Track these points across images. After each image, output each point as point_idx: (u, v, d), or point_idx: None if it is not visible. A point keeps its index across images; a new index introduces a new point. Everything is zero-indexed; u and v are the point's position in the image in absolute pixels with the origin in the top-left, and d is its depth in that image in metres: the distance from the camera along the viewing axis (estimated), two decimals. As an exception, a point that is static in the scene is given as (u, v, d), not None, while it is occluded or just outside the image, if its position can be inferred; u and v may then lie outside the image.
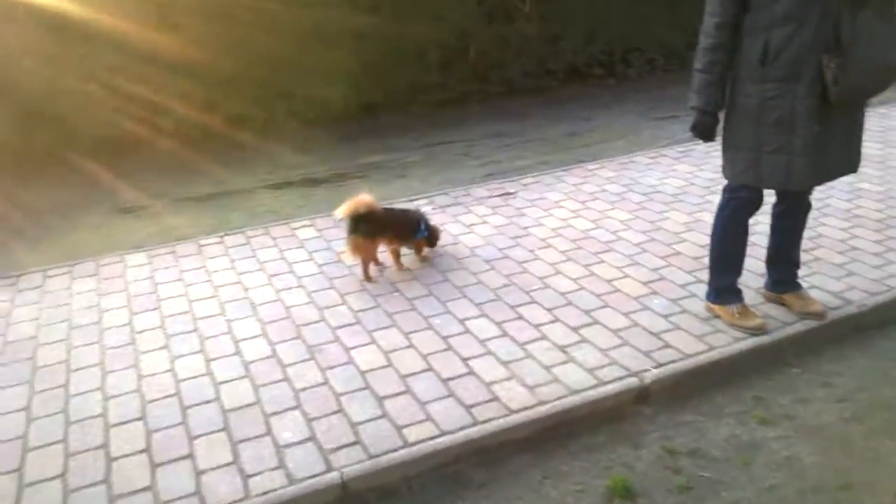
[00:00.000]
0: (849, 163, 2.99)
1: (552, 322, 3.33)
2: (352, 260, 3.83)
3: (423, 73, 7.51)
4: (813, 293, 3.41)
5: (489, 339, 3.21)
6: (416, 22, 7.27)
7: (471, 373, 2.98)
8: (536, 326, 3.30)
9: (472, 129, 6.89)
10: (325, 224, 4.52)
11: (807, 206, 3.23)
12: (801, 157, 2.83)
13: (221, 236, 4.41)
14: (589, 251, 4.03)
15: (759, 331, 3.15)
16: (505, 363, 3.04)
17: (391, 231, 3.80)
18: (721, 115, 3.00)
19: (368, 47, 7.16)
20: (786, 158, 2.86)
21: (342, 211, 3.64)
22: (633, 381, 2.91)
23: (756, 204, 3.14)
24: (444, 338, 3.24)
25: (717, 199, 4.63)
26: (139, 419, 2.81)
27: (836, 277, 3.61)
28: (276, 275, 3.89)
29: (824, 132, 2.81)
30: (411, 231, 3.88)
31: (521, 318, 3.38)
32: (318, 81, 6.99)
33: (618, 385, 2.88)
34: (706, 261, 3.77)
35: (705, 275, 3.66)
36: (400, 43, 7.31)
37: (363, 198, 3.68)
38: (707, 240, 4.03)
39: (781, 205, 3.22)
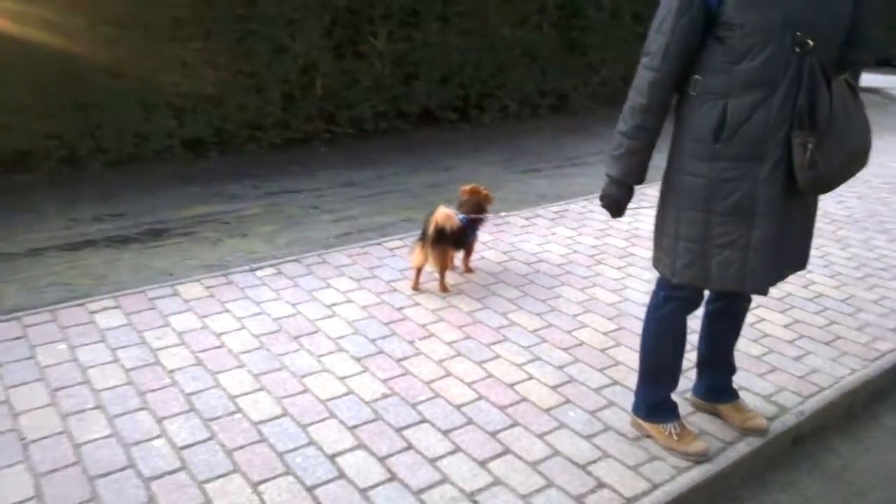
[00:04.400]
0: (801, 259, 2.51)
1: (451, 453, 2.55)
2: (424, 266, 3.77)
3: (261, 108, 6.56)
4: (742, 397, 2.92)
5: (370, 489, 2.37)
6: (256, 51, 6.33)
7: (352, 549, 2.13)
8: (432, 461, 2.51)
9: (320, 175, 6.02)
10: (135, 304, 3.46)
11: (748, 302, 2.73)
12: (758, 254, 2.31)
13: (-15, 325, 3.22)
14: (480, 342, 3.31)
15: (702, 457, 2.58)
16: (398, 528, 2.22)
17: (454, 237, 3.71)
18: (639, 190, 2.45)
19: (196, 75, 6.10)
20: (740, 254, 2.32)
21: (447, 224, 3.60)
22: (570, 548, 2.20)
23: (697, 303, 2.59)
24: (309, 489, 2.35)
25: (606, 271, 4.19)
26: None
27: (760, 374, 3.16)
28: (61, 388, 2.80)
29: (785, 224, 2.32)
30: (463, 235, 3.81)
31: (410, 447, 2.57)
32: (132, 113, 5.81)
33: (552, 556, 2.16)
34: (614, 354, 3.23)
35: (616, 373, 3.11)
36: (235, 73, 6.32)
37: (450, 213, 3.65)
38: (608, 324, 3.54)
39: (719, 302, 2.69)
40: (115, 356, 3.03)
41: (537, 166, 6.65)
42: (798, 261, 2.49)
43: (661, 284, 2.56)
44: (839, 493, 2.60)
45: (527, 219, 4.99)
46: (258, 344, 3.19)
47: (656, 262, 2.53)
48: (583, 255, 4.39)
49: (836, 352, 3.35)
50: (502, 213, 4.62)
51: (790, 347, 3.38)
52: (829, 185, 2.26)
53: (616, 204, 2.46)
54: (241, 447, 2.52)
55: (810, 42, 2.11)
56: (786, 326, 3.58)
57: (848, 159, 2.22)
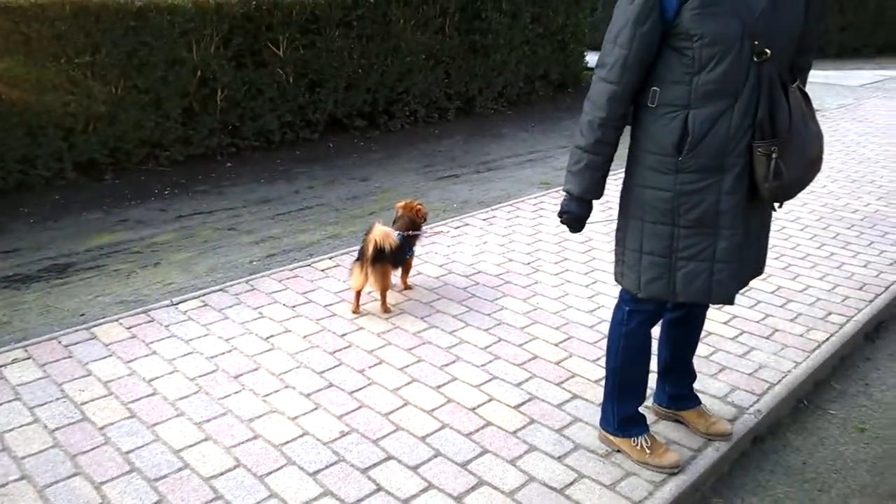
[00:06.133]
0: (760, 263, 2.54)
1: (424, 491, 2.41)
2: (366, 288, 3.61)
3: (160, 124, 6.15)
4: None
5: (349, 540, 2.20)
6: (150, 64, 5.92)
7: None
8: (406, 503, 2.36)
9: (231, 193, 5.71)
10: (49, 353, 3.11)
11: (706, 308, 2.74)
12: (724, 265, 2.30)
13: None
14: (432, 364, 3.19)
15: (675, 468, 2.56)
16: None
17: (392, 256, 3.56)
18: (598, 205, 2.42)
19: (86, 93, 5.64)
20: (707, 266, 2.31)
21: (386, 242, 3.46)
22: (565, 581, 2.11)
23: (661, 315, 2.57)
24: (281, 548, 2.16)
25: (545, 278, 4.16)
26: None
27: (711, 375, 3.19)
28: (-25, 460, 2.46)
29: (747, 233, 2.33)
30: (401, 252, 3.68)
31: (380, 489, 2.41)
32: (15, 137, 5.30)
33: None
34: (569, 366, 3.20)
35: (574, 386, 3.07)
36: (129, 89, 5.89)
37: (388, 231, 3.54)
38: (557, 334, 3.51)
39: (678, 310, 2.67)
40: (34, 416, 2.70)
41: (454, 172, 6.58)
42: (758, 266, 2.51)
43: (626, 299, 2.52)
44: (805, 492, 2.64)
45: (456, 228, 4.90)
46: (195, 388, 2.94)
47: (619, 278, 2.49)
48: (518, 264, 4.34)
49: (777, 345, 3.45)
50: (439, 229, 4.51)
51: (734, 345, 3.45)
52: (792, 193, 2.28)
53: (577, 220, 2.40)
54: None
55: (768, 51, 2.11)
56: (725, 323, 3.65)
57: (807, 166, 2.25)
